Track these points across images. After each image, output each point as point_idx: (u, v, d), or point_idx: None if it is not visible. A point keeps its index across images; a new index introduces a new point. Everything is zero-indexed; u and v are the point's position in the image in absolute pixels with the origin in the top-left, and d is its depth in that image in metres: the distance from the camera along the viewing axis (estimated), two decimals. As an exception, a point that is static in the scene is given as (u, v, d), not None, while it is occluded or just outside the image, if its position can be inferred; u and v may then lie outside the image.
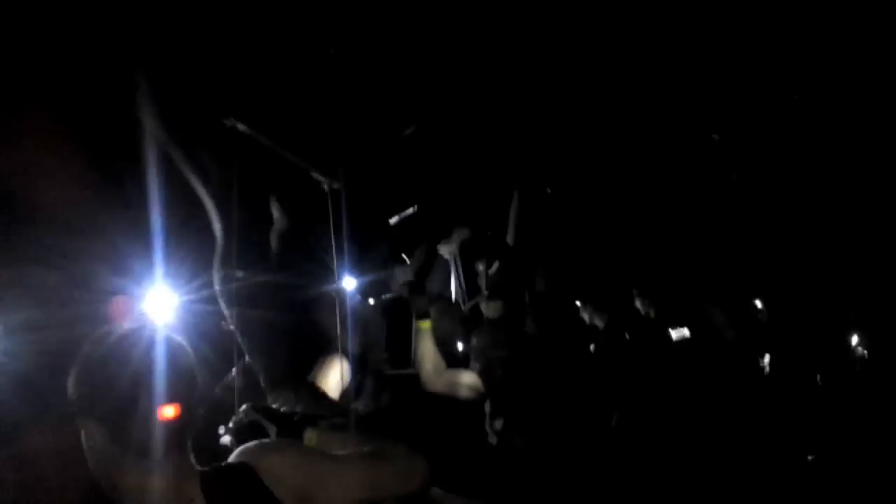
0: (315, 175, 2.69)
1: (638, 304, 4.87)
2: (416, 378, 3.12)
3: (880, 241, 4.76)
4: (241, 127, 2.43)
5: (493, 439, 2.69)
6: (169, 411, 1.16)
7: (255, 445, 1.33)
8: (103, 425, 1.16)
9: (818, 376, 4.09)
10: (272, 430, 1.62)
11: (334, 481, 1.32)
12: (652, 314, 4.75)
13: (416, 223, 3.75)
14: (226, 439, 1.63)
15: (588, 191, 5.20)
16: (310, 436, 1.60)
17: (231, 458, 1.30)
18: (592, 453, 2.86)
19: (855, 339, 4.46)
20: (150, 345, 1.21)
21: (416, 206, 3.65)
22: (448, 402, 2.95)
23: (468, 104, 3.98)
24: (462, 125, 4.06)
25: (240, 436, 1.65)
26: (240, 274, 2.35)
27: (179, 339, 1.26)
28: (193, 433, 1.25)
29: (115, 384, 1.15)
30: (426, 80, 3.71)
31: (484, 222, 4.27)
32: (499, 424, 2.71)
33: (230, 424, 1.67)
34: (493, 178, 4.52)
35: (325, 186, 2.65)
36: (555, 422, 2.71)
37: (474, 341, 2.98)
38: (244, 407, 1.69)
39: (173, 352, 1.24)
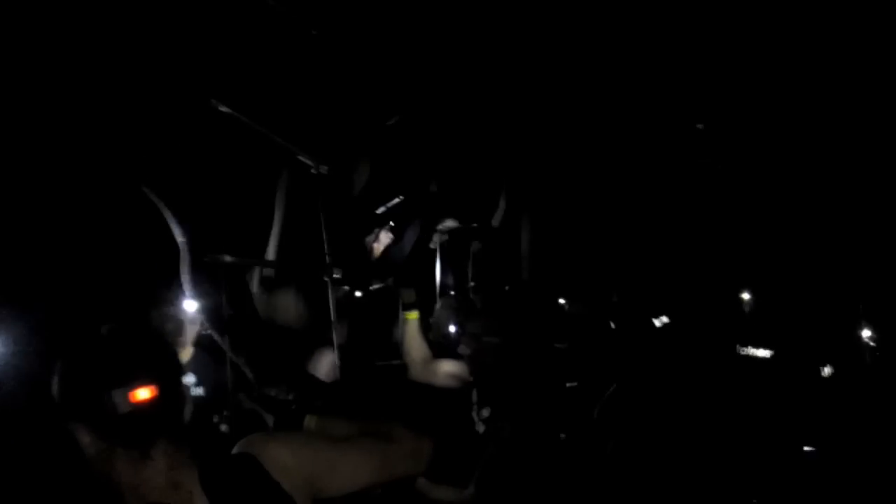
0: (304, 160, 2.66)
1: (616, 295, 4.92)
2: (403, 368, 3.15)
3: (887, 233, 4.75)
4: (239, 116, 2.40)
5: (480, 427, 2.71)
6: (143, 393, 1.10)
7: (258, 436, 1.28)
8: (88, 425, 1.12)
9: (823, 367, 4.09)
10: (269, 418, 1.61)
11: (344, 467, 1.29)
12: (631, 303, 4.79)
13: (403, 213, 3.75)
14: (222, 427, 1.62)
15: (573, 182, 5.21)
16: (309, 422, 1.57)
17: (234, 450, 1.26)
18: (579, 441, 2.89)
19: (866, 333, 4.43)
20: (132, 337, 1.18)
21: (402, 196, 3.64)
22: (434, 391, 2.97)
23: (454, 93, 3.98)
24: (448, 114, 4.06)
25: (237, 425, 1.63)
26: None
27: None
28: (183, 423, 1.20)
29: (99, 382, 1.11)
30: (413, 67, 3.71)
31: (470, 212, 4.28)
32: (486, 412, 2.73)
33: (224, 413, 1.66)
34: (480, 167, 4.53)
35: (314, 171, 2.62)
36: (542, 410, 2.73)
37: (467, 328, 3.00)
38: (240, 395, 1.67)
39: (151, 339, 1.22)
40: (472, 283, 4.18)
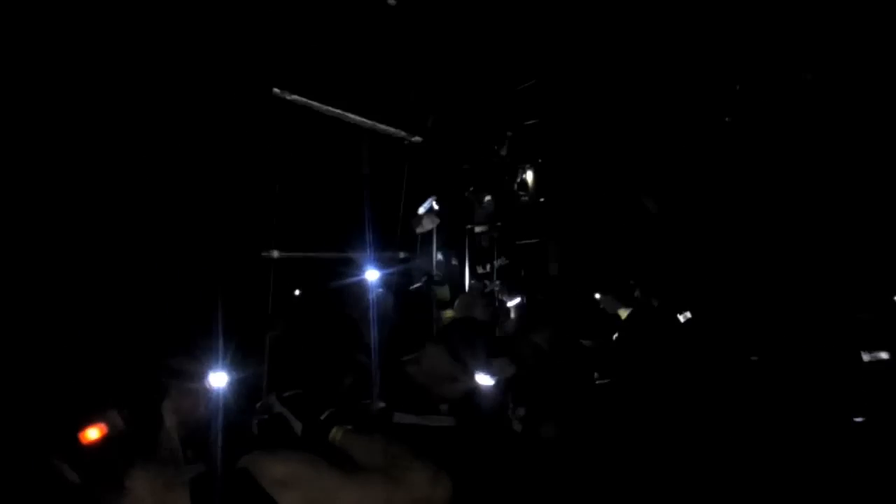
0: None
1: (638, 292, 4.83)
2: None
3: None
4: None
5: (517, 427, 2.65)
6: (92, 434, 1.10)
7: (257, 453, 1.27)
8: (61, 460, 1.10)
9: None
10: (297, 425, 1.57)
11: (344, 497, 1.26)
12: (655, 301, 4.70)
13: (437, 214, 3.69)
14: (253, 429, 1.58)
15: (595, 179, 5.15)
16: (335, 434, 1.54)
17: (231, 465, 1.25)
18: (617, 441, 2.83)
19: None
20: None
21: (435, 197, 3.59)
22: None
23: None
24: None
25: (264, 429, 1.60)
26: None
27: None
28: (160, 446, 1.19)
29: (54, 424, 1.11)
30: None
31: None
32: (522, 412, 2.67)
33: (255, 416, 1.61)
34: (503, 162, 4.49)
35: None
36: (583, 409, 2.68)
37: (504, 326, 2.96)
38: (270, 397, 1.64)
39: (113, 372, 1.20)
40: (496, 282, 4.13)
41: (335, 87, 2.66)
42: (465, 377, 2.30)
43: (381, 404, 2.18)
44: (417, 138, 2.69)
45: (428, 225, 3.59)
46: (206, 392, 1.28)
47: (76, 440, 1.09)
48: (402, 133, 2.65)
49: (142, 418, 1.15)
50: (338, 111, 2.56)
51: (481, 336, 2.36)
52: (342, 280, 3.03)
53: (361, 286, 2.82)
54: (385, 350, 2.88)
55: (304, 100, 2.44)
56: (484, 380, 2.74)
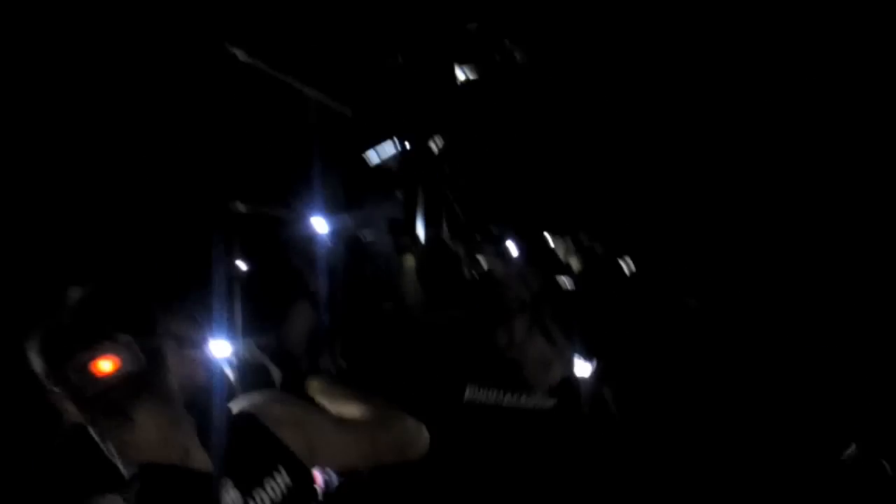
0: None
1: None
2: (401, 313, 3.16)
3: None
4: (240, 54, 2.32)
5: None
6: (105, 365, 1.05)
7: (256, 395, 1.27)
8: (63, 395, 1.08)
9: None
10: (276, 373, 1.60)
11: (335, 444, 1.29)
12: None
13: (398, 160, 3.66)
14: (228, 372, 1.59)
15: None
16: (313, 385, 1.55)
17: (232, 407, 1.23)
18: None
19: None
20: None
21: (396, 141, 3.54)
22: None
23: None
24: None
25: (242, 374, 1.63)
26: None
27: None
28: (167, 381, 1.13)
29: (62, 356, 1.06)
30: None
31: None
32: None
33: (229, 357, 1.62)
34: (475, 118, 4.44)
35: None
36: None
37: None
38: (248, 344, 1.65)
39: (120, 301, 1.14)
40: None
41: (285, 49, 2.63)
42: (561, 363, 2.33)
43: (342, 363, 2.22)
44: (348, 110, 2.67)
45: (384, 154, 3.52)
46: (207, 361, 1.27)
47: (86, 371, 1.05)
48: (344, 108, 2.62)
49: (146, 354, 1.10)
50: (286, 77, 2.52)
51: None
52: (295, 236, 3.03)
53: (314, 240, 2.83)
54: (343, 306, 2.92)
55: (252, 59, 2.40)
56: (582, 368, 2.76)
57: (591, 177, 4.58)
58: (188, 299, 1.25)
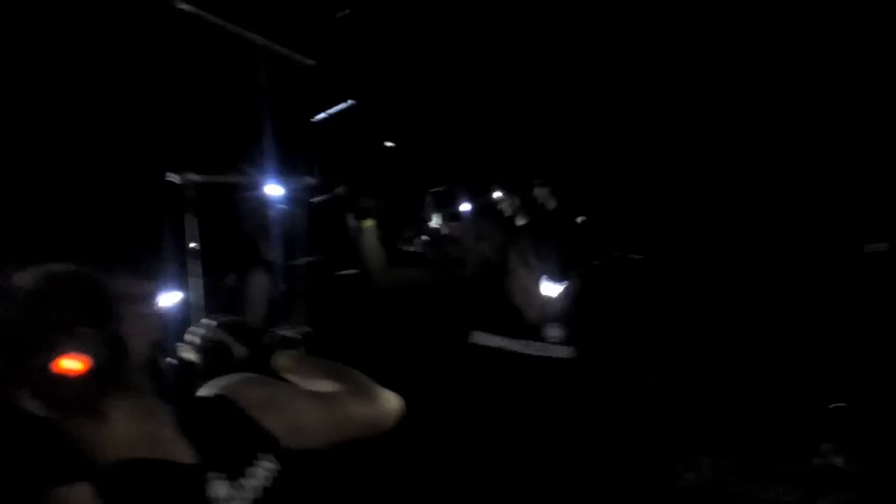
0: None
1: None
2: (362, 277, 3.10)
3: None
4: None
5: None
6: (68, 364, 0.96)
7: (225, 380, 1.22)
8: (27, 393, 0.98)
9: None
10: (240, 350, 1.53)
11: (307, 420, 1.26)
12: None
13: (352, 120, 3.53)
14: (189, 355, 1.52)
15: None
16: (281, 359, 1.53)
17: (201, 392, 1.19)
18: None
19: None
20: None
21: (350, 101, 3.42)
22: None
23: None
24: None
25: (205, 355, 1.54)
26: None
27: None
28: (131, 371, 1.06)
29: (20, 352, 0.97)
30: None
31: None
32: None
33: (190, 338, 1.54)
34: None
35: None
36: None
37: None
38: (208, 322, 1.57)
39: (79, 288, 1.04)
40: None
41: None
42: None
43: (306, 328, 2.17)
44: (311, 61, 2.56)
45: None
46: (159, 315, 1.17)
47: (47, 371, 0.96)
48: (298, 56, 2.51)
49: (109, 345, 1.01)
50: (235, 27, 2.38)
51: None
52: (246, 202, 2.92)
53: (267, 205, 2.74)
54: (302, 270, 2.84)
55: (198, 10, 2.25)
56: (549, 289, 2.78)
57: (549, 134, 4.54)
58: (131, 257, 1.15)
